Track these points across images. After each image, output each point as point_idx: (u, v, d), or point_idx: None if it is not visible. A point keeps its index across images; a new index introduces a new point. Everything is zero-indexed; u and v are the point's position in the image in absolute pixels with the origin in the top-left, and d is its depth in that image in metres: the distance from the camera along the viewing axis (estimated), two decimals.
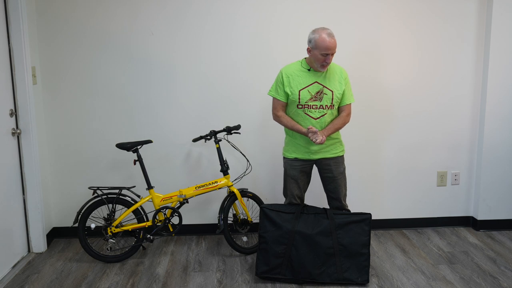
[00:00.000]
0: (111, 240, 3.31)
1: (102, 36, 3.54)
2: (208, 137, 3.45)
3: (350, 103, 3.09)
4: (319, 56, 2.90)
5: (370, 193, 3.88)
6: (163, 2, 3.52)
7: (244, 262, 3.36)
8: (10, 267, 3.24)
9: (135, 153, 3.36)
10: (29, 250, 3.51)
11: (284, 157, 3.19)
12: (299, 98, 2.99)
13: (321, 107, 3.01)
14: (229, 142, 3.60)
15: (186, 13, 3.55)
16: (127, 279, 3.12)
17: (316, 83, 2.99)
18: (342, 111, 3.10)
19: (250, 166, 3.71)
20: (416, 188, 3.91)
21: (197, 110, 3.68)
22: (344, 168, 3.16)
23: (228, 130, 3.47)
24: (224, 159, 3.46)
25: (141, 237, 3.38)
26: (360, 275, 3.01)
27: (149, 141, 3.41)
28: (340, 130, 3.13)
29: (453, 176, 3.91)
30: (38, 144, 3.45)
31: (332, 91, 3.00)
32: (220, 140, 3.48)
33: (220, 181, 3.41)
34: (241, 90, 3.67)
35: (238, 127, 3.51)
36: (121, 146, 3.32)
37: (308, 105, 3.00)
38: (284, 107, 3.09)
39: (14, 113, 3.29)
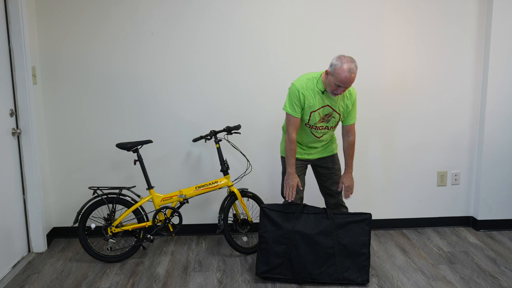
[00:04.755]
0: (111, 240, 3.31)
1: (102, 36, 3.54)
2: (208, 137, 3.45)
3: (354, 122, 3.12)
4: (333, 84, 2.83)
5: (370, 193, 3.89)
6: (163, 2, 3.52)
7: (244, 262, 3.36)
8: (10, 267, 3.24)
9: (135, 153, 3.36)
10: (29, 250, 3.51)
11: (282, 157, 3.19)
12: (309, 119, 2.99)
13: (326, 128, 3.04)
14: (229, 142, 3.60)
15: (187, 13, 3.55)
16: (127, 279, 3.12)
17: (327, 106, 2.97)
18: (349, 132, 3.11)
19: (250, 166, 3.70)
20: (416, 188, 3.91)
21: (197, 110, 3.68)
22: (340, 166, 3.20)
23: (228, 130, 3.47)
24: (224, 159, 3.46)
25: (141, 237, 3.38)
26: (360, 275, 3.01)
27: (149, 141, 3.41)
28: (335, 130, 3.20)
29: (453, 176, 3.91)
30: (38, 144, 3.45)
31: (340, 115, 3.02)
32: (220, 140, 3.48)
33: (220, 181, 3.41)
34: (241, 90, 3.67)
35: (238, 127, 3.51)
36: (121, 146, 3.32)
37: (315, 126, 3.01)
38: (298, 125, 3.01)
39: (14, 113, 3.29)
